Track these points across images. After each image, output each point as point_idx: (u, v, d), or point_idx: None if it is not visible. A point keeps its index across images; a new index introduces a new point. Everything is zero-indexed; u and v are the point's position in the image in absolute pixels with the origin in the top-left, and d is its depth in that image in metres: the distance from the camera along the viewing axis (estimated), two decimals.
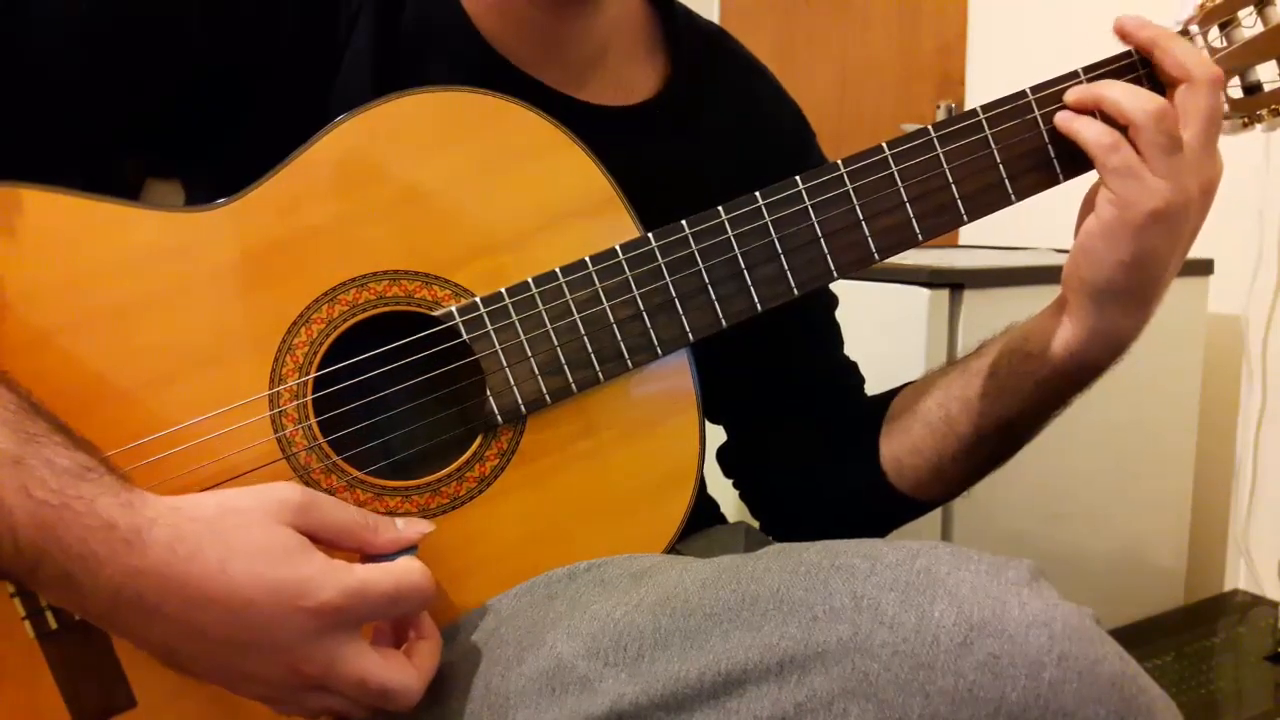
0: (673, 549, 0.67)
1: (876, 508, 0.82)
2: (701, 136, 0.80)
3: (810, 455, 0.85)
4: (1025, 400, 0.73)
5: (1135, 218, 0.64)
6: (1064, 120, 0.67)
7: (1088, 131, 0.65)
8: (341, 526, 0.56)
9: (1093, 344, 0.69)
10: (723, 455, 0.90)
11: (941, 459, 0.77)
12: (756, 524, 0.90)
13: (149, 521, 0.52)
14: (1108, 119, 0.65)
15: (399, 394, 0.64)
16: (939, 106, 1.99)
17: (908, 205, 0.67)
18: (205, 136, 0.68)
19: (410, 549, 0.58)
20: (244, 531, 0.53)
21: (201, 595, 0.51)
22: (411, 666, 0.56)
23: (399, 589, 0.55)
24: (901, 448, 0.80)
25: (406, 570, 0.55)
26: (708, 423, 0.87)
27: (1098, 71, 0.68)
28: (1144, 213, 0.64)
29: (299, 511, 0.54)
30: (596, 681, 0.54)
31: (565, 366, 0.64)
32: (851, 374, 0.88)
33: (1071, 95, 0.67)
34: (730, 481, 0.91)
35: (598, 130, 0.66)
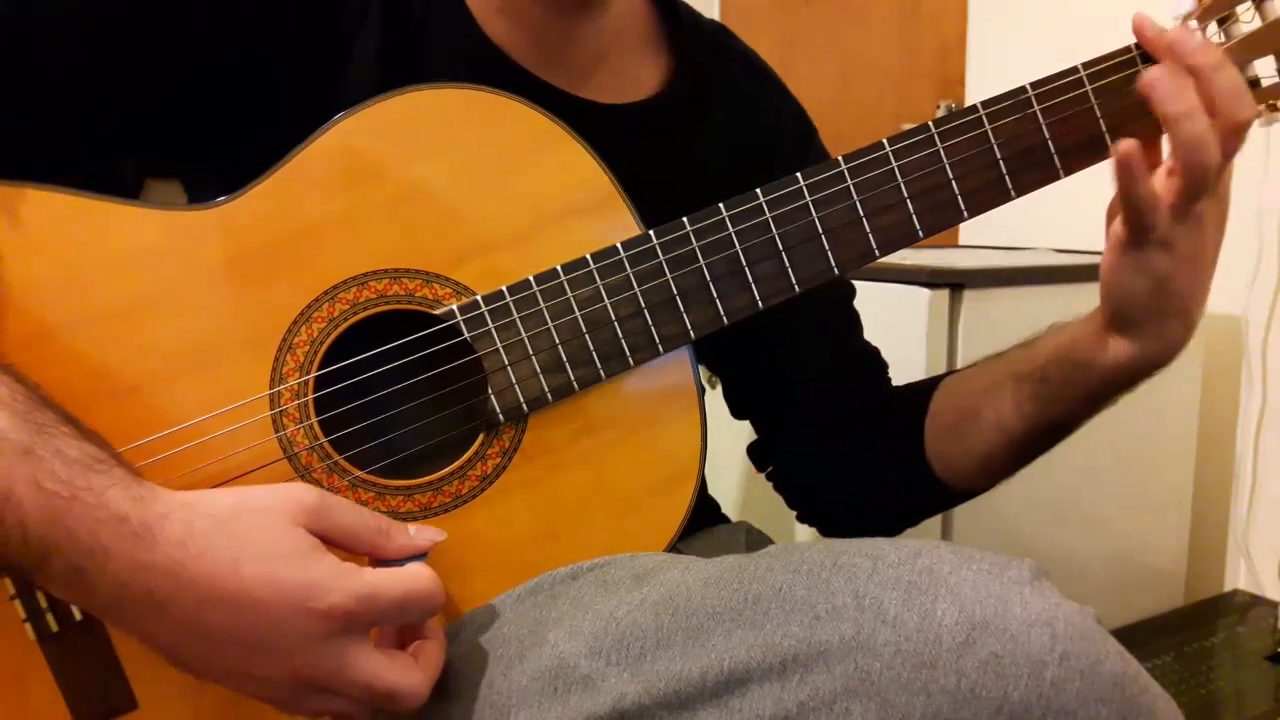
0: (674, 548, 0.67)
1: (920, 499, 0.83)
2: (704, 134, 0.80)
3: (844, 446, 0.85)
4: (1077, 404, 0.73)
5: (1135, 248, 0.64)
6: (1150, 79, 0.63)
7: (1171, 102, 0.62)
8: (354, 530, 0.56)
9: (1143, 356, 0.69)
10: (753, 451, 0.90)
11: (990, 458, 0.78)
12: (758, 524, 0.90)
13: (161, 516, 0.51)
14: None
15: (400, 393, 0.64)
16: (939, 106, 2.00)
17: (908, 202, 0.67)
18: (209, 135, 0.68)
19: (421, 555, 0.58)
20: (257, 531, 0.52)
21: (211, 593, 0.51)
22: (418, 668, 0.56)
23: (408, 595, 0.54)
24: (951, 445, 0.80)
25: (416, 577, 0.55)
26: (733, 419, 0.88)
27: (1098, 67, 0.68)
28: (1145, 243, 0.64)
29: (313, 514, 0.54)
30: (599, 681, 0.54)
31: (567, 364, 0.64)
32: (875, 360, 0.89)
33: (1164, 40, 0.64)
34: (734, 480, 0.91)
35: (601, 129, 0.66)
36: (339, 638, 0.53)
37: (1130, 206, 0.64)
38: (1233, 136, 0.63)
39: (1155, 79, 0.63)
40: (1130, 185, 0.63)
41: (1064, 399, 0.73)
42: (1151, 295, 0.66)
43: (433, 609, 0.56)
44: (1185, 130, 0.62)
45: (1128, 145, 0.62)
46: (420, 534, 0.59)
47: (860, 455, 0.84)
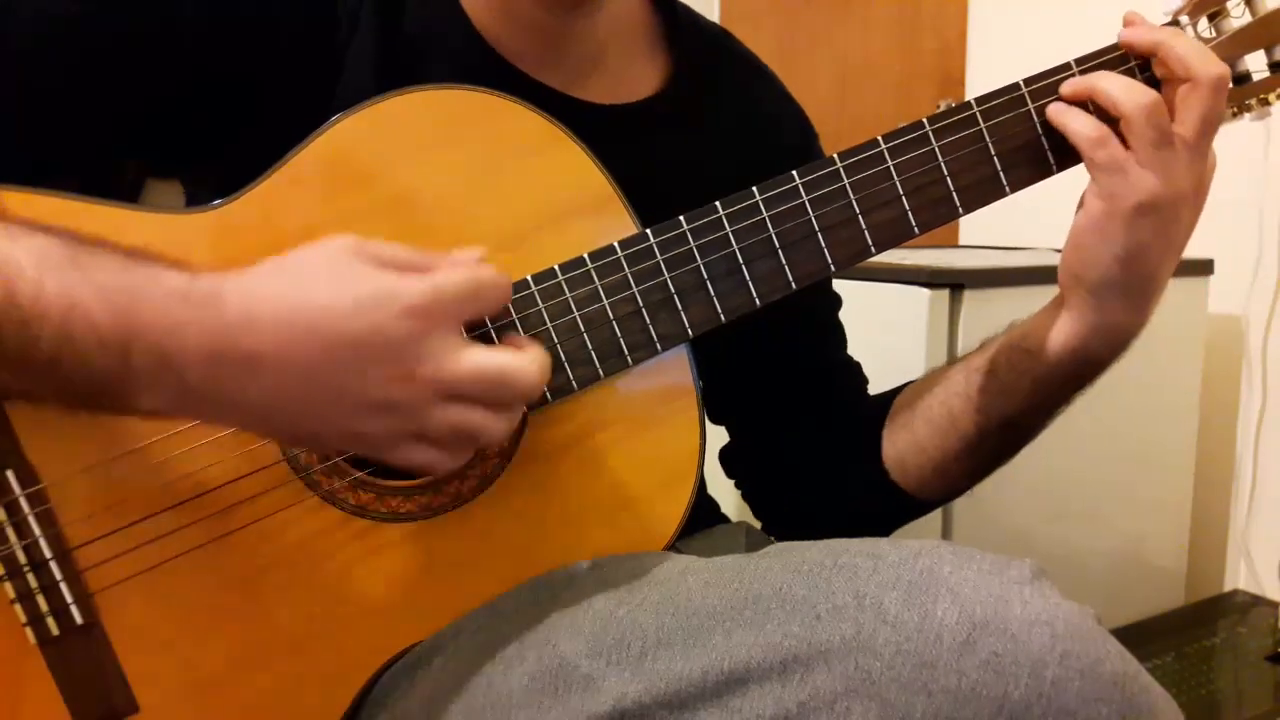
0: (673, 547, 0.67)
1: (880, 507, 0.82)
2: (703, 135, 0.80)
3: (814, 455, 0.84)
4: (1026, 397, 0.72)
5: (1122, 211, 0.64)
6: (1055, 112, 0.66)
7: (1076, 124, 0.65)
8: (396, 262, 0.56)
9: (1092, 340, 0.69)
10: (725, 456, 0.90)
11: (945, 456, 0.77)
12: (758, 524, 0.90)
13: (216, 281, 0.52)
14: (1101, 111, 0.65)
15: None
16: (939, 106, 1.99)
17: (903, 198, 0.67)
18: (206, 140, 0.68)
19: None
20: (312, 267, 0.54)
21: (297, 327, 0.52)
22: (523, 351, 0.57)
23: (476, 282, 0.55)
24: (905, 446, 0.79)
25: (476, 265, 0.56)
26: (710, 424, 0.87)
27: (1091, 63, 0.68)
28: (1130, 206, 0.64)
29: (357, 249, 0.55)
30: (599, 680, 0.54)
31: (565, 364, 0.64)
32: (855, 374, 0.88)
33: (1066, 87, 0.67)
34: (732, 482, 0.91)
35: (598, 129, 0.66)
36: (430, 333, 0.53)
37: (1075, 142, 0.65)
38: (1214, 92, 0.63)
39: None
40: (1058, 115, 0.66)
41: (1012, 391, 0.73)
42: (1122, 265, 0.66)
43: (504, 293, 0.58)
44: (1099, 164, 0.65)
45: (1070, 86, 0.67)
46: (460, 256, 0.59)
47: (822, 467, 0.84)
